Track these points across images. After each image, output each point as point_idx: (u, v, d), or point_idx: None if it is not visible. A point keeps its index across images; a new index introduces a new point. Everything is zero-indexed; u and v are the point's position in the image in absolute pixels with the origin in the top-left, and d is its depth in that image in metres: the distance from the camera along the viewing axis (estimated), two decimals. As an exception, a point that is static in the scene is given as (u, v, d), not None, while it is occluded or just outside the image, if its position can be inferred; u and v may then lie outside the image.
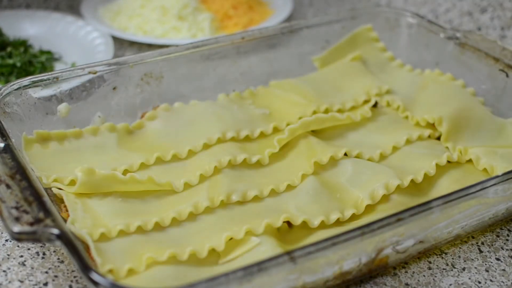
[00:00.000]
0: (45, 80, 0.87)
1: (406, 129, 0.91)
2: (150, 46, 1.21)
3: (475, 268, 0.76)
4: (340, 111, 0.94)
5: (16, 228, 0.63)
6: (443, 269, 0.76)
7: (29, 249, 0.76)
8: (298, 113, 0.92)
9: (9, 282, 0.71)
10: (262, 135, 0.89)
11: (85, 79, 0.90)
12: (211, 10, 1.33)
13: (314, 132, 0.90)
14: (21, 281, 0.71)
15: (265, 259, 0.61)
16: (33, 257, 0.75)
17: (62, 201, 0.76)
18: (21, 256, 0.75)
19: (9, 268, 0.73)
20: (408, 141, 0.89)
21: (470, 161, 0.87)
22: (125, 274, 0.66)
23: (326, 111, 0.93)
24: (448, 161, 0.85)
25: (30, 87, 0.86)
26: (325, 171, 0.83)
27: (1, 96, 0.83)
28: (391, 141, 0.89)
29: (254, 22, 1.30)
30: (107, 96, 0.92)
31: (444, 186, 0.82)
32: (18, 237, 0.63)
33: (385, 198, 0.78)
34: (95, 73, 0.90)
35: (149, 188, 0.78)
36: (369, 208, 0.78)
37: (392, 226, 0.67)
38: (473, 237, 0.80)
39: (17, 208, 0.65)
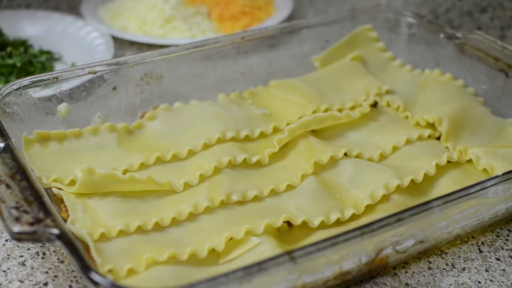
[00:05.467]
0: (45, 80, 0.87)
1: (406, 129, 0.91)
2: (150, 46, 1.21)
3: (475, 268, 0.76)
4: (340, 111, 0.93)
5: (16, 228, 0.63)
6: (443, 269, 0.76)
7: (29, 249, 0.76)
8: (298, 113, 0.92)
9: (9, 282, 0.71)
10: (262, 135, 0.89)
11: (85, 79, 0.90)
12: (211, 10, 1.33)
13: (314, 132, 0.90)
14: (21, 281, 0.71)
15: (265, 259, 0.61)
16: (33, 257, 0.75)
17: (62, 201, 0.76)
18: (21, 256, 0.75)
19: (9, 268, 0.73)
20: (408, 141, 0.89)
21: (470, 161, 0.86)
22: (125, 274, 0.66)
23: (326, 111, 0.93)
24: (448, 161, 0.85)
25: (30, 87, 0.86)
26: (325, 171, 0.83)
27: (1, 96, 0.83)
28: (391, 141, 0.88)
29: (254, 22, 1.30)
30: (107, 96, 0.92)
31: (444, 186, 0.82)
32: (18, 237, 0.63)
33: (385, 198, 0.78)
34: (95, 73, 0.90)
35: (149, 188, 0.78)
36: (369, 208, 0.78)
37: (392, 226, 0.67)
38: (473, 237, 0.80)
39: (17, 208, 0.65)
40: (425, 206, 0.69)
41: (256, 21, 1.30)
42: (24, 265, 0.73)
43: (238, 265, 0.66)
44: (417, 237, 0.72)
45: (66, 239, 0.63)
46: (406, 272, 0.75)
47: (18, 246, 0.76)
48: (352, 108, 0.95)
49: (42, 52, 1.17)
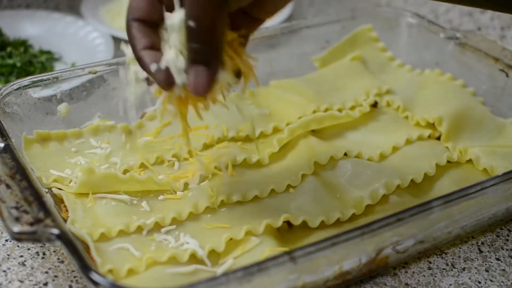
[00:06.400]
0: (45, 80, 0.87)
1: (406, 129, 0.91)
2: (150, 46, 1.21)
3: (475, 268, 0.76)
4: (340, 111, 0.93)
5: (16, 228, 0.63)
6: (443, 269, 0.76)
7: (29, 249, 0.76)
8: (298, 113, 0.92)
9: (9, 282, 0.71)
10: (262, 135, 0.89)
11: (85, 79, 0.90)
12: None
13: (314, 132, 0.90)
14: (21, 281, 0.71)
15: (265, 259, 0.61)
16: (33, 257, 0.75)
17: (62, 201, 0.76)
18: (21, 256, 0.75)
19: (9, 268, 0.73)
20: (408, 141, 0.89)
21: (470, 161, 0.87)
22: (125, 274, 0.66)
23: (326, 111, 0.93)
24: (448, 161, 0.85)
25: (30, 87, 0.86)
26: (325, 171, 0.83)
27: (1, 96, 0.83)
28: (391, 141, 0.88)
29: (254, 22, 1.30)
30: (107, 96, 0.92)
31: (444, 186, 0.82)
32: (18, 237, 0.63)
33: (385, 198, 0.78)
34: (95, 73, 0.90)
35: (149, 188, 0.78)
36: (369, 208, 0.78)
37: (392, 226, 0.67)
38: (473, 237, 0.80)
39: (17, 208, 0.65)
40: (425, 206, 0.69)
41: (256, 21, 1.30)
42: (24, 265, 0.73)
43: (238, 265, 0.66)
44: (417, 237, 0.72)
45: (66, 239, 0.63)
46: (406, 272, 0.75)
47: (18, 246, 0.76)
48: (352, 108, 0.95)
49: (42, 52, 1.17)
